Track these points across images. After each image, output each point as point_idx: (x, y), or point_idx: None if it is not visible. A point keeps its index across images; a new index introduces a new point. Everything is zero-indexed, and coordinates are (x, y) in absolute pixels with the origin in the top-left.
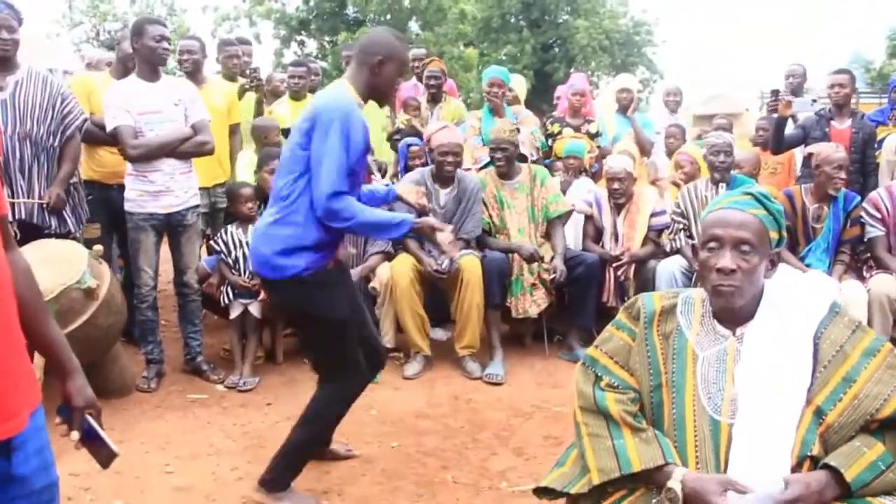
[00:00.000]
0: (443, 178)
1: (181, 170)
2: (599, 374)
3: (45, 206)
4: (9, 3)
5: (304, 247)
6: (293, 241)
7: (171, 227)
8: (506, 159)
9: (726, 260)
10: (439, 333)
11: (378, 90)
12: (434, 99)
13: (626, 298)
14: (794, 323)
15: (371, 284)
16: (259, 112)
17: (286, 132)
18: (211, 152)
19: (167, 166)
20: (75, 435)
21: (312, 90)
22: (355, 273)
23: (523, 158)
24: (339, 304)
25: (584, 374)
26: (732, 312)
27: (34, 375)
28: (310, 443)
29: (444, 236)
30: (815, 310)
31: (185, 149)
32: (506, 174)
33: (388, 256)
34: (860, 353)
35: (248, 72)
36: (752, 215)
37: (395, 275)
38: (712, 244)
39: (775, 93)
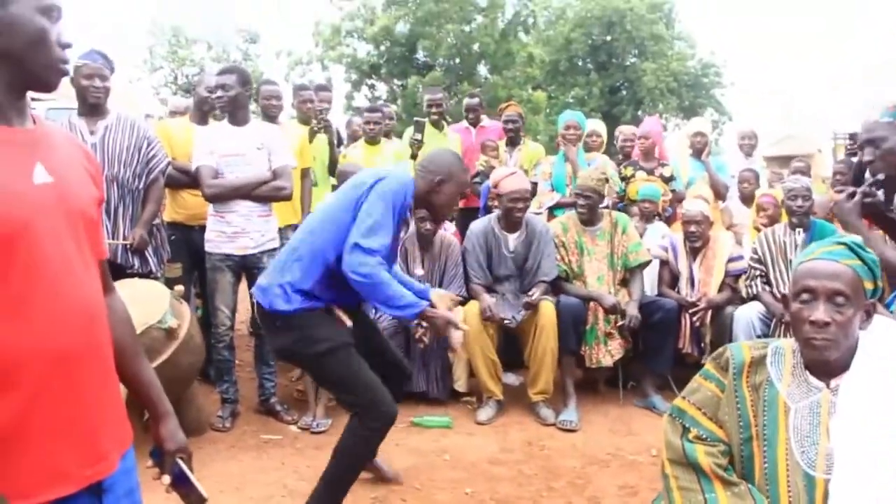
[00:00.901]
0: (511, 223)
1: (258, 212)
2: (687, 426)
3: (128, 246)
4: (103, 53)
5: (294, 288)
6: (294, 284)
7: (247, 268)
8: (589, 207)
9: (820, 313)
10: (512, 378)
11: (432, 206)
12: (512, 142)
13: (702, 345)
14: (891, 374)
15: None
16: (332, 154)
17: None
18: (288, 198)
19: (243, 208)
20: (166, 479)
21: (387, 134)
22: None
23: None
24: (330, 332)
25: (671, 426)
26: (826, 364)
27: (125, 417)
28: (344, 479)
29: (457, 336)
30: None
31: (261, 192)
32: (588, 221)
33: (463, 301)
34: None
35: (316, 114)
36: (846, 266)
37: (468, 318)
38: (805, 296)
39: (853, 136)
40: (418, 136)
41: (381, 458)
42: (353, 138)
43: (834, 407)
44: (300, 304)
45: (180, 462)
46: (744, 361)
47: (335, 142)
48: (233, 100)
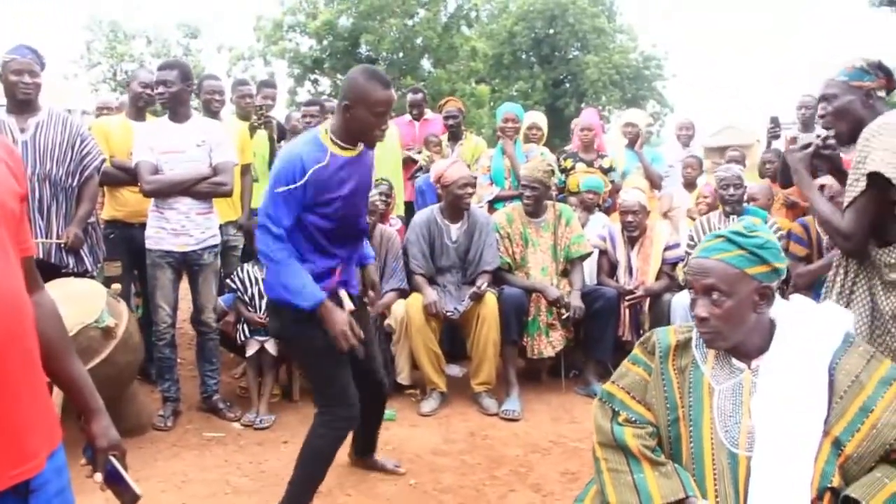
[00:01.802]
0: (456, 212)
1: (198, 209)
2: (617, 410)
3: (63, 245)
4: (32, 48)
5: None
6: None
7: (187, 265)
8: (535, 198)
9: (698, 308)
10: (455, 370)
11: (353, 134)
12: (454, 137)
13: (641, 332)
14: (809, 354)
15: (386, 321)
16: (272, 149)
17: None
18: (228, 194)
19: (183, 205)
20: (98, 476)
21: None
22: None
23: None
24: (324, 333)
25: (601, 410)
26: (742, 347)
27: (54, 415)
28: (311, 479)
29: (343, 335)
30: (830, 340)
31: (201, 188)
32: (533, 213)
33: (403, 294)
34: (877, 383)
35: (256, 110)
36: (717, 260)
37: (410, 311)
38: (691, 292)
39: (774, 120)
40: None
41: (378, 455)
42: (294, 133)
43: (755, 387)
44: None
45: (113, 460)
46: (669, 345)
47: (276, 137)
48: (174, 95)
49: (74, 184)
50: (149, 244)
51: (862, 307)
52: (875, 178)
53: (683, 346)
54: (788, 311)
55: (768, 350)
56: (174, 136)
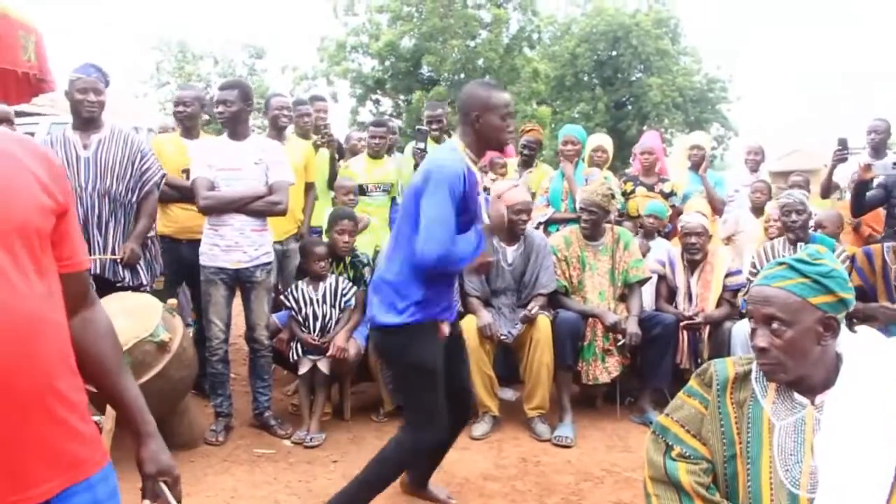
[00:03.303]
0: (512, 235)
1: (252, 226)
2: (670, 444)
3: (119, 260)
4: (97, 66)
5: (406, 301)
6: (396, 296)
7: (240, 282)
8: (593, 222)
9: (757, 338)
10: (508, 394)
11: (486, 141)
12: (526, 164)
13: (700, 361)
14: (878, 390)
15: None
16: (333, 168)
17: (361, 188)
18: (283, 213)
19: (238, 222)
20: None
21: (389, 149)
22: None
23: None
24: (430, 353)
25: (654, 443)
26: (805, 382)
27: (90, 443)
28: (375, 484)
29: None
30: None
31: (256, 207)
32: (591, 236)
33: (459, 316)
34: None
35: (321, 128)
36: (779, 288)
37: (466, 333)
38: (751, 322)
39: (843, 142)
40: (421, 146)
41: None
42: (353, 152)
43: (818, 424)
44: (409, 317)
45: (164, 487)
46: (728, 377)
47: (336, 156)
48: (234, 115)
49: (133, 199)
50: (203, 260)
51: None
52: None
53: (742, 379)
54: (856, 345)
55: (834, 385)
56: (232, 154)
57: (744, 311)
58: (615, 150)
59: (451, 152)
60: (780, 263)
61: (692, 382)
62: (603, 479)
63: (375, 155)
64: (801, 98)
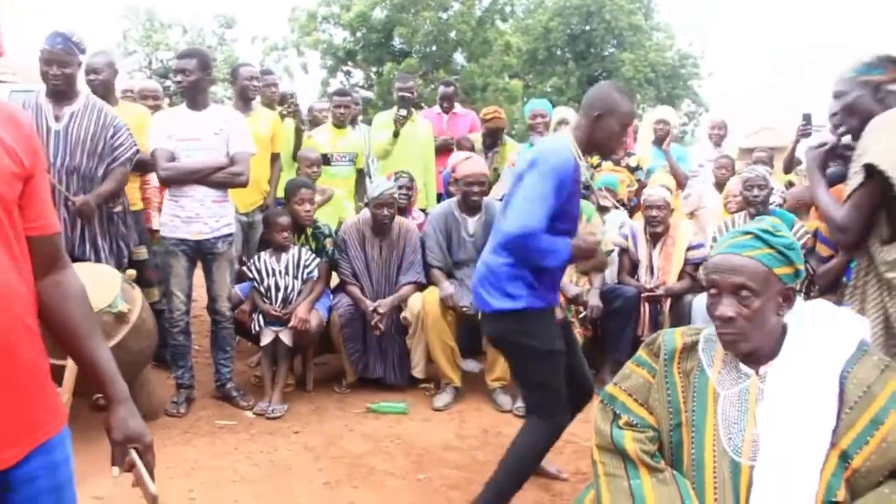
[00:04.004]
0: (470, 206)
1: (213, 197)
2: (618, 412)
3: (70, 205)
4: (66, 35)
5: (516, 285)
6: (504, 278)
7: (201, 253)
8: None
9: (724, 307)
10: (471, 365)
11: (598, 143)
12: (490, 146)
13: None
14: (820, 361)
15: (403, 314)
16: (298, 139)
17: (325, 158)
18: (244, 184)
19: (199, 193)
20: (115, 471)
21: (353, 120)
22: (386, 303)
23: None
24: (550, 336)
25: (602, 412)
26: (747, 354)
27: (48, 408)
28: (520, 475)
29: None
30: (842, 348)
31: (217, 178)
32: None
33: (421, 287)
34: (889, 395)
35: (287, 98)
36: (749, 258)
37: (427, 305)
38: (713, 290)
39: (807, 118)
40: (403, 112)
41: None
42: (315, 123)
43: (762, 394)
44: (525, 302)
45: (133, 454)
46: (675, 347)
47: (301, 127)
48: (192, 84)
49: (102, 176)
50: (163, 232)
51: (876, 310)
52: (872, 171)
53: (690, 349)
54: (802, 316)
55: (778, 356)
56: (192, 125)
57: (704, 283)
58: None
59: (564, 143)
60: (746, 233)
61: (641, 352)
62: (562, 448)
63: (340, 125)
64: (767, 66)
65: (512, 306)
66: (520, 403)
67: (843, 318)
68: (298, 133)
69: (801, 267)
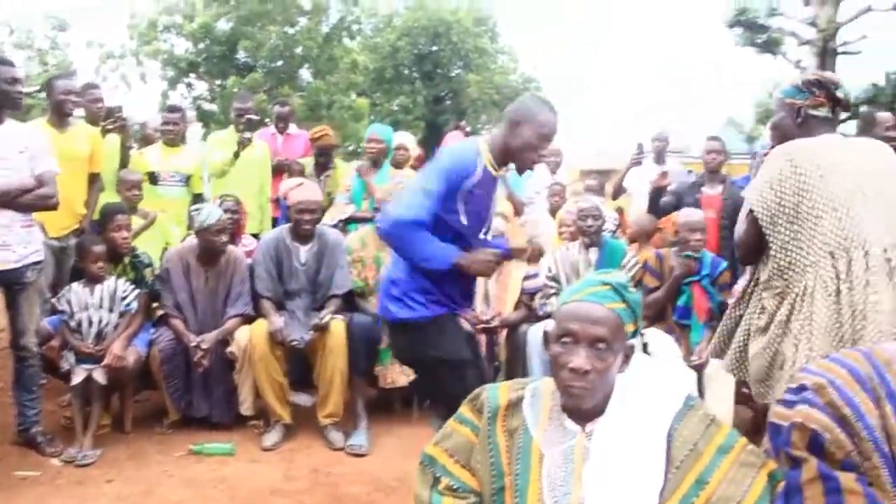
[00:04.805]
0: (301, 234)
1: (21, 222)
2: (438, 476)
3: None
4: None
5: (414, 294)
6: (403, 288)
7: (7, 285)
8: None
9: (581, 359)
10: (303, 398)
11: (513, 151)
12: (322, 168)
13: (497, 363)
14: (647, 419)
15: (229, 349)
16: (124, 157)
17: (152, 176)
18: (55, 207)
19: (5, 218)
20: None
21: (183, 137)
22: (211, 337)
23: None
24: (453, 345)
25: (422, 476)
26: (580, 410)
27: None
28: None
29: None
30: (669, 404)
31: (26, 200)
32: None
33: (248, 319)
34: (714, 451)
35: (113, 111)
36: (610, 310)
37: (254, 339)
38: (566, 339)
39: (640, 147)
40: (248, 136)
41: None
42: (147, 141)
43: (588, 453)
44: (423, 311)
45: None
46: (499, 405)
47: (127, 143)
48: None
49: None
50: None
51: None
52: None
53: (515, 406)
54: (627, 371)
55: (605, 412)
56: None
57: (540, 314)
58: (434, 146)
59: (470, 145)
60: (604, 283)
61: (463, 408)
62: (396, 489)
63: (171, 143)
64: (662, 81)
65: (409, 315)
66: (352, 441)
67: (669, 371)
68: (125, 149)
69: (640, 326)
